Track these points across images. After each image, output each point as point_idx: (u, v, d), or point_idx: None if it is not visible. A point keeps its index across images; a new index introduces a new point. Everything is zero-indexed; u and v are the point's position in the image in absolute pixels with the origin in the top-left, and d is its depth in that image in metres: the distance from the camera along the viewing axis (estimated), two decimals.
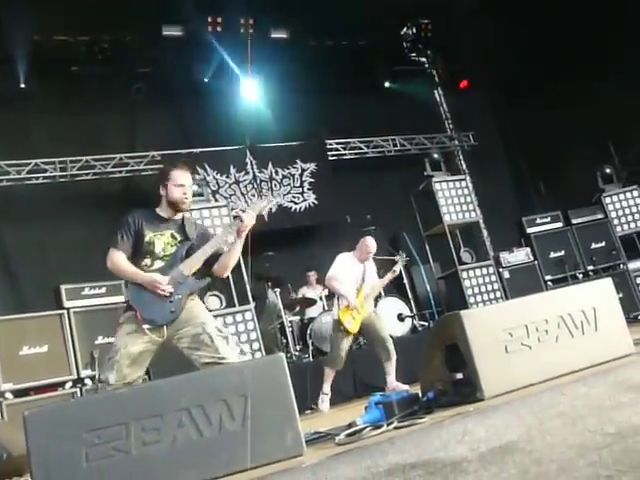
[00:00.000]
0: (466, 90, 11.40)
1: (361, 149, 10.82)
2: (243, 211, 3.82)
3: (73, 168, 8.78)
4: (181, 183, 3.72)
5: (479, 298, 8.15)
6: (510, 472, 1.84)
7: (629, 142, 8.83)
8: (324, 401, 5.86)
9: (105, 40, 8.79)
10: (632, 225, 8.76)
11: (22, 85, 8.38)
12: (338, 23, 9.53)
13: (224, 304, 7.10)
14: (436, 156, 8.85)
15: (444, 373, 3.58)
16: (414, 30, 10.86)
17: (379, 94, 10.84)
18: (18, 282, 8.14)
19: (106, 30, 8.79)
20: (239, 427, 2.74)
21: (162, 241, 3.66)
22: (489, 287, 8.26)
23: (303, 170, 10.18)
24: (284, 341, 7.59)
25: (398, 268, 6.27)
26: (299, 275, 8.71)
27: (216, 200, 8.60)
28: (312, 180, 10.17)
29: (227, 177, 9.60)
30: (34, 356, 6.00)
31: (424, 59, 11.73)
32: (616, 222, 8.74)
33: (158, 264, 3.63)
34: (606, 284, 4.03)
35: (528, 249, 8.56)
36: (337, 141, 10.63)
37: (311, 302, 8.05)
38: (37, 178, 8.61)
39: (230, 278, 7.30)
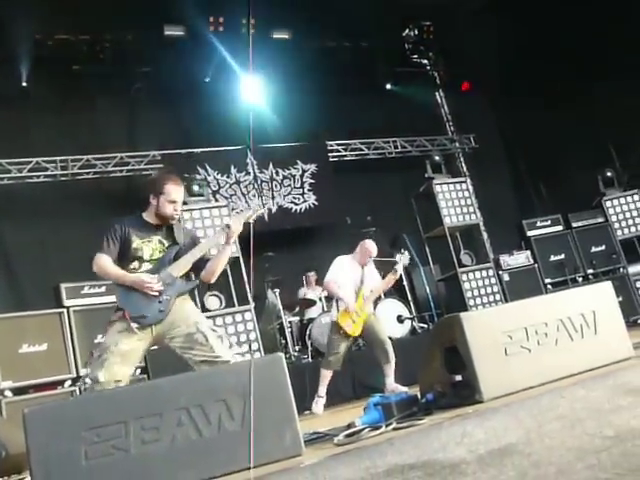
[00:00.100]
0: (467, 92, 11.41)
1: (362, 150, 10.83)
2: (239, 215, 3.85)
3: (74, 167, 8.80)
4: (174, 199, 3.72)
5: (479, 301, 8.14)
6: (509, 474, 1.84)
7: (630, 145, 8.83)
8: (318, 404, 5.81)
9: (106, 39, 8.80)
10: (632, 229, 8.75)
11: (23, 84, 8.39)
12: (340, 24, 9.55)
13: (224, 304, 7.10)
14: (437, 158, 8.85)
15: (443, 375, 3.58)
16: (416, 32, 10.88)
17: (380, 95, 10.86)
18: (18, 280, 8.15)
19: (107, 29, 8.80)
20: (238, 427, 2.74)
21: (150, 247, 3.69)
22: (489, 290, 8.25)
23: (304, 171, 10.19)
24: (283, 341, 7.60)
25: (400, 267, 6.11)
26: (299, 276, 8.71)
27: (216, 200, 8.61)
28: (313, 181, 10.17)
29: (228, 177, 9.61)
30: (34, 354, 6.00)
31: (426, 61, 11.75)
32: (616, 226, 8.72)
33: (146, 267, 3.66)
34: (606, 288, 4.03)
35: (528, 252, 8.56)
36: (338, 142, 10.65)
37: (311, 303, 8.05)
38: (38, 177, 8.62)
39: (230, 278, 7.32)
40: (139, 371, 6.33)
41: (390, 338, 6.04)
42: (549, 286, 8.39)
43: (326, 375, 5.84)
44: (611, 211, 8.77)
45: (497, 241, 10.44)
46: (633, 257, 8.63)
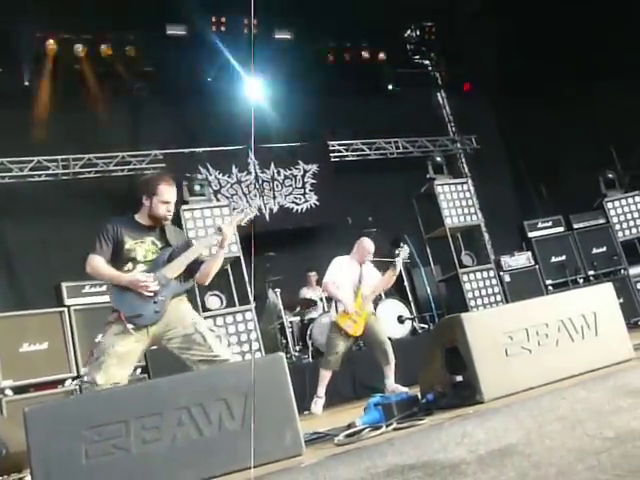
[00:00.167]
0: (469, 93, 11.40)
1: (363, 151, 10.83)
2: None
3: (75, 166, 8.81)
4: (167, 200, 3.74)
5: (479, 301, 8.14)
6: (509, 475, 1.84)
7: (631, 146, 8.82)
8: (317, 404, 5.79)
9: (109, 39, 8.80)
10: (633, 230, 8.74)
11: (26, 83, 8.40)
12: (341, 25, 9.54)
13: (224, 304, 7.11)
14: (438, 159, 8.85)
15: (444, 375, 3.58)
16: (418, 33, 10.88)
17: (382, 96, 10.85)
18: (19, 279, 8.15)
19: (110, 29, 8.80)
20: (239, 426, 2.75)
21: (143, 248, 3.70)
22: (490, 290, 8.25)
23: (305, 171, 10.19)
24: (284, 341, 7.60)
25: (399, 262, 6.01)
26: (300, 276, 8.71)
27: (218, 200, 8.62)
28: (314, 181, 10.18)
29: (229, 177, 9.61)
30: (34, 353, 6.01)
31: (427, 62, 11.74)
32: (617, 227, 8.72)
33: (140, 268, 3.67)
34: (607, 289, 4.03)
35: (529, 253, 8.56)
36: (339, 142, 10.65)
37: (311, 303, 8.06)
38: (39, 175, 8.63)
39: (231, 278, 7.33)
40: (140, 370, 6.34)
41: (390, 339, 6.03)
42: (550, 287, 8.39)
43: (325, 375, 5.83)
44: (612, 212, 8.77)
45: (498, 242, 10.42)
46: (634, 258, 8.63)
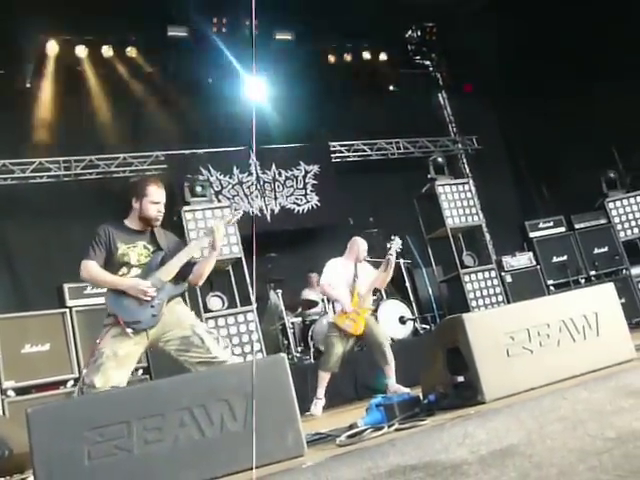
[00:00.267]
0: (470, 94, 11.40)
1: (364, 151, 10.84)
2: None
3: (77, 167, 8.82)
4: (157, 200, 3.77)
5: (481, 302, 8.13)
6: (510, 475, 1.84)
7: (633, 146, 8.81)
8: (317, 405, 5.79)
9: (110, 40, 8.81)
10: (635, 230, 8.72)
11: (27, 85, 8.41)
12: (342, 25, 9.55)
13: (226, 305, 7.11)
14: (440, 160, 8.84)
15: (445, 376, 3.58)
16: (419, 33, 10.88)
17: (383, 97, 10.85)
18: (21, 280, 8.16)
19: (111, 30, 8.82)
20: (241, 427, 2.75)
21: (136, 252, 3.72)
22: (491, 291, 8.24)
23: (306, 172, 10.19)
24: (285, 342, 7.60)
25: (393, 253, 5.93)
26: (301, 277, 8.71)
27: (219, 201, 8.62)
28: (315, 182, 10.18)
29: (230, 178, 9.62)
30: (36, 354, 6.02)
31: (428, 62, 11.74)
32: (619, 227, 8.70)
33: (135, 272, 3.68)
34: (608, 289, 4.02)
35: (530, 253, 8.56)
36: (341, 143, 10.65)
37: (313, 304, 8.06)
38: (41, 177, 8.65)
39: (232, 279, 7.33)
40: (141, 371, 6.35)
41: (392, 339, 6.04)
42: (551, 287, 8.38)
43: (324, 377, 5.83)
44: (614, 212, 8.75)
45: (499, 242, 10.43)
46: (636, 259, 8.61)
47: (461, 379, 3.48)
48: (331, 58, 10.32)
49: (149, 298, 3.57)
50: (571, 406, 2.71)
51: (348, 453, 2.67)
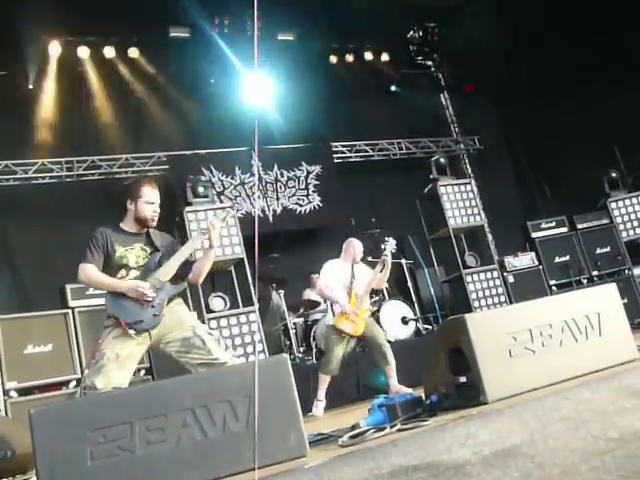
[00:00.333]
0: (472, 94, 11.40)
1: (366, 152, 10.84)
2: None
3: (79, 168, 8.83)
4: (152, 200, 3.79)
5: (483, 302, 8.13)
6: (513, 476, 1.84)
7: (634, 146, 8.80)
8: (318, 407, 5.79)
9: (112, 41, 8.83)
10: (637, 230, 8.71)
11: (30, 86, 8.42)
12: (344, 26, 9.54)
13: (228, 305, 7.12)
14: (442, 160, 8.84)
15: (448, 376, 3.57)
16: (420, 33, 10.88)
17: (385, 97, 10.85)
18: (23, 281, 8.18)
19: (113, 31, 8.83)
20: (243, 428, 2.75)
21: (133, 254, 3.73)
22: (493, 291, 8.24)
23: (308, 172, 10.19)
24: (288, 343, 7.60)
25: (388, 254, 5.95)
26: (303, 277, 8.71)
27: (221, 201, 8.63)
28: (317, 182, 10.18)
29: (232, 178, 9.62)
30: (39, 355, 6.03)
31: (430, 62, 11.74)
32: (621, 227, 8.69)
33: (133, 274, 3.69)
34: (610, 289, 4.02)
35: (533, 254, 8.55)
36: (342, 144, 10.65)
37: (315, 304, 8.06)
38: (43, 178, 8.66)
39: (234, 280, 7.33)
40: (144, 372, 6.35)
41: (394, 340, 6.03)
42: (554, 288, 8.37)
43: (324, 379, 5.83)
44: (616, 212, 8.74)
45: (502, 242, 10.41)
46: (638, 259, 8.60)
47: (463, 379, 3.48)
48: (333, 58, 10.33)
49: (149, 299, 3.58)
50: (574, 406, 2.70)
51: (350, 454, 2.67)
